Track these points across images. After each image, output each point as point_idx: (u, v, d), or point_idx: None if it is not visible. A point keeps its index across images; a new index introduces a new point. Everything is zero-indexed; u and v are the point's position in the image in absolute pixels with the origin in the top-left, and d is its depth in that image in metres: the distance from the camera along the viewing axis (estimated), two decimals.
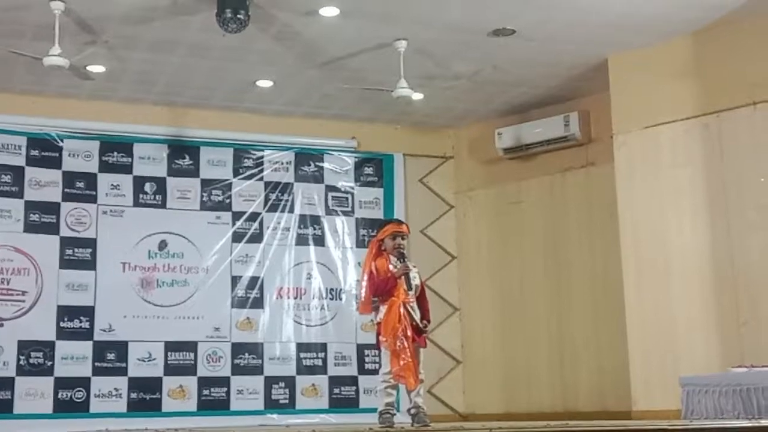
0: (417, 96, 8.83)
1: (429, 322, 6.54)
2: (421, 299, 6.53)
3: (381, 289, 6.38)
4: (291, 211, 9.69)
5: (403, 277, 6.39)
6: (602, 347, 8.94)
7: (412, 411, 6.35)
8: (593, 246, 9.19)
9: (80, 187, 9.04)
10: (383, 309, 6.37)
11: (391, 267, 6.45)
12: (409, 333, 6.26)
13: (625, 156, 8.28)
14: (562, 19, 7.59)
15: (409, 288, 6.40)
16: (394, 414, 6.42)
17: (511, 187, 9.90)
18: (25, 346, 8.58)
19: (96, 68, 8.34)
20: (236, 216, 9.50)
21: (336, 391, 9.49)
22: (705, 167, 7.81)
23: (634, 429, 4.69)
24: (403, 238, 6.55)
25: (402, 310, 6.31)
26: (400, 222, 6.85)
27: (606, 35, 7.90)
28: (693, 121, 7.89)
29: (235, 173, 9.58)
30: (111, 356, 8.84)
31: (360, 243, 9.73)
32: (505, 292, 9.83)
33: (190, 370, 9.06)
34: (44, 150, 8.96)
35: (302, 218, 9.72)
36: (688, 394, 6.83)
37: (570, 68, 8.66)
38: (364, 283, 6.52)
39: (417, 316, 6.40)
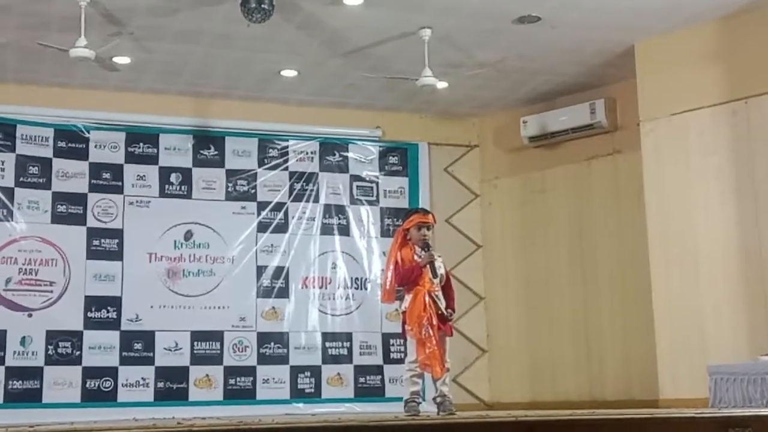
0: (441, 84, 8.78)
1: (454, 310, 6.52)
2: (447, 288, 6.52)
3: (406, 279, 6.38)
4: (316, 200, 9.71)
5: (428, 266, 6.39)
6: (629, 336, 8.89)
7: (438, 399, 6.35)
8: (620, 235, 9.12)
9: (107, 178, 9.09)
10: (408, 298, 6.37)
11: (416, 257, 6.45)
12: (434, 321, 6.26)
13: (652, 143, 8.20)
14: (587, 6, 7.53)
15: (435, 276, 6.39)
16: (420, 402, 6.42)
17: (536, 176, 9.86)
18: (53, 336, 8.65)
19: (121, 59, 8.38)
20: (261, 206, 9.52)
21: (361, 380, 9.50)
22: (733, 154, 7.73)
23: (661, 418, 4.65)
24: (428, 229, 6.54)
25: (427, 298, 6.30)
26: (426, 212, 6.82)
27: (632, 21, 7.83)
28: (721, 108, 7.81)
29: (260, 163, 9.60)
30: (138, 346, 8.89)
31: (385, 232, 9.73)
32: (531, 281, 9.80)
33: (216, 359, 9.10)
34: (71, 141, 9.02)
35: (327, 208, 9.73)
36: (716, 382, 6.78)
37: (596, 55, 8.59)
38: (389, 273, 6.52)
39: (442, 304, 6.39)
